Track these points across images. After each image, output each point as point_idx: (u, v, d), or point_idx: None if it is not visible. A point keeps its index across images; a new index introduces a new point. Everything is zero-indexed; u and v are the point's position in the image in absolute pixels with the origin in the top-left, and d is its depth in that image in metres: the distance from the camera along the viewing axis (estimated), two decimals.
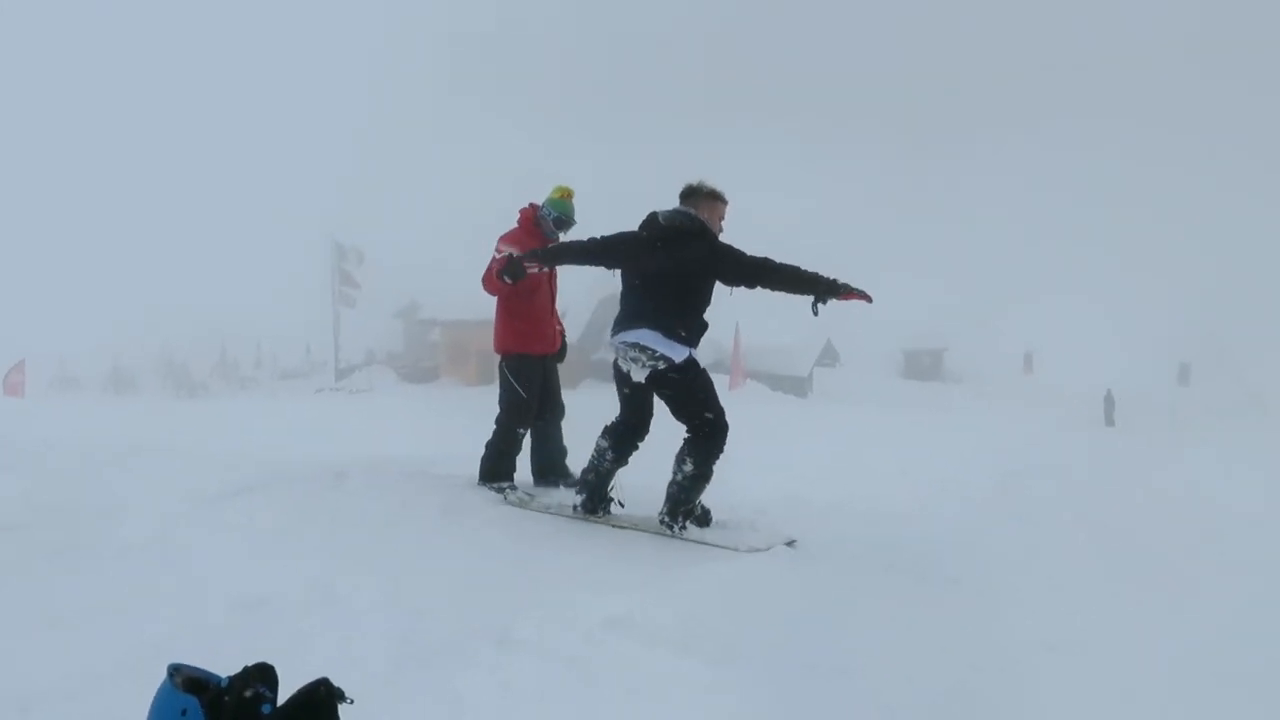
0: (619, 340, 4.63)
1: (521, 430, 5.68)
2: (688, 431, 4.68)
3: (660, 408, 4.83)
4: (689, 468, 4.61)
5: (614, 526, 4.90)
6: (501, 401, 5.68)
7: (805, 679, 2.91)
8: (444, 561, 4.05)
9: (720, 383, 6.25)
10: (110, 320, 58.35)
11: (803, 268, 4.47)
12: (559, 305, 6.00)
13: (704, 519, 4.78)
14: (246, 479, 5.56)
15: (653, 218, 4.65)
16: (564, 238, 5.60)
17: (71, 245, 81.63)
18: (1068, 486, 9.01)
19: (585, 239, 4.89)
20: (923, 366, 51.52)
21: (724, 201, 4.70)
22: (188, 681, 1.52)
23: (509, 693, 2.65)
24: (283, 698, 1.60)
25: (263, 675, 1.55)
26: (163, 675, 1.57)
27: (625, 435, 4.87)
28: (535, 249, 5.17)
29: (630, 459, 4.95)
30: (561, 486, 5.75)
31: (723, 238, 4.72)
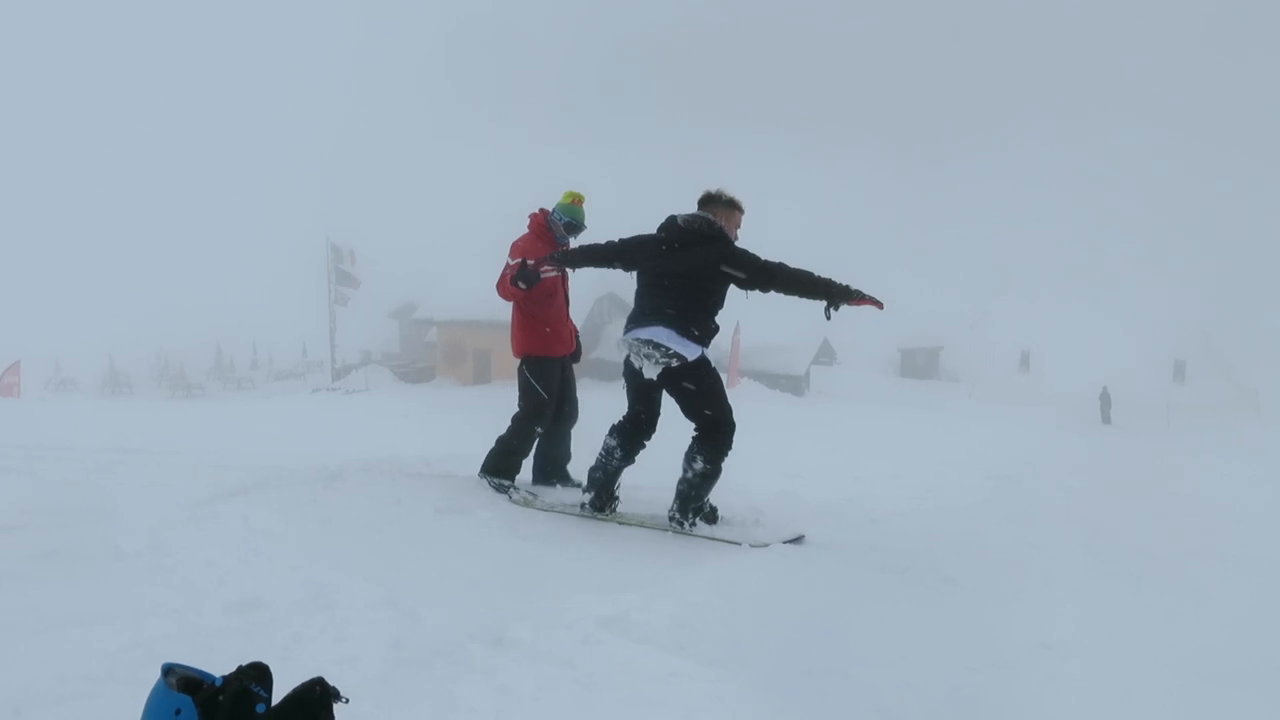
0: (632, 336, 4.69)
1: (539, 429, 5.72)
2: (696, 430, 4.75)
3: (667, 407, 4.88)
4: (699, 466, 4.68)
5: (622, 524, 4.94)
6: (520, 403, 5.72)
7: (802, 680, 2.91)
8: (440, 562, 4.05)
9: None
10: (106, 321, 58.25)
11: (815, 273, 4.55)
12: None
13: (711, 516, 4.89)
14: (242, 480, 5.55)
15: (671, 221, 4.75)
16: (574, 243, 5.67)
17: (66, 246, 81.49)
18: (1064, 486, 9.01)
19: (603, 242, 4.97)
20: (919, 365, 51.59)
21: (741, 210, 4.84)
22: (182, 681, 1.52)
23: (504, 694, 2.65)
24: (278, 698, 1.60)
25: (257, 674, 1.55)
26: (157, 676, 1.56)
27: (633, 434, 4.94)
28: (553, 252, 5.24)
29: (638, 458, 5.01)
30: (559, 487, 5.77)
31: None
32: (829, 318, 4.55)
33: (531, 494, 5.51)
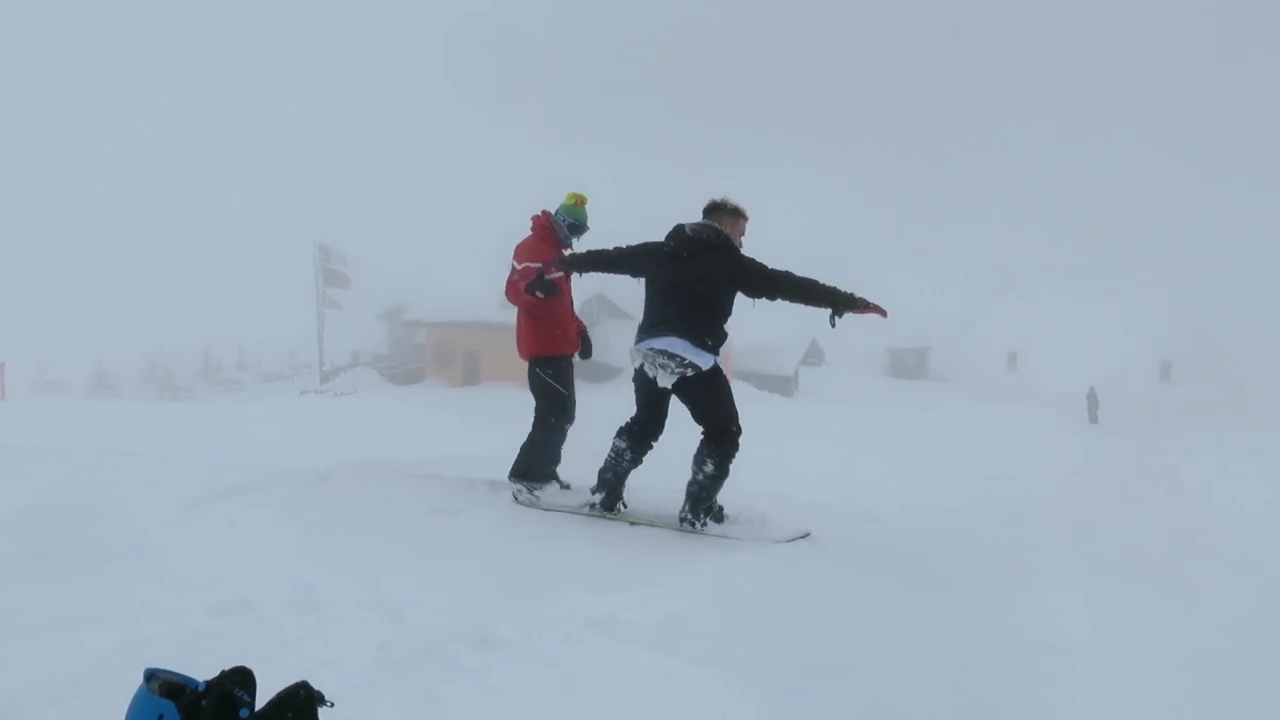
0: (646, 346, 4.75)
1: (567, 426, 5.76)
2: (705, 434, 4.85)
3: (672, 409, 4.98)
4: (709, 468, 4.78)
5: (633, 524, 5.00)
6: (541, 405, 5.73)
7: (796, 679, 2.91)
8: (428, 563, 4.04)
9: None
10: (94, 323, 57.95)
11: (821, 281, 4.67)
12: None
13: (719, 515, 4.99)
14: (229, 482, 5.53)
15: (679, 230, 4.81)
16: (577, 243, 5.73)
17: (53, 247, 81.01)
18: (1057, 485, 9.04)
19: (610, 248, 5.05)
20: (908, 366, 51.81)
21: (745, 218, 4.92)
22: (165, 686, 1.51)
23: (490, 695, 2.64)
24: (263, 702, 1.59)
25: (241, 679, 1.54)
26: (141, 680, 1.55)
27: (642, 436, 5.02)
28: (562, 257, 5.33)
29: (645, 459, 5.09)
30: (556, 487, 5.78)
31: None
32: (834, 325, 4.68)
33: (535, 495, 5.52)
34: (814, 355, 45.81)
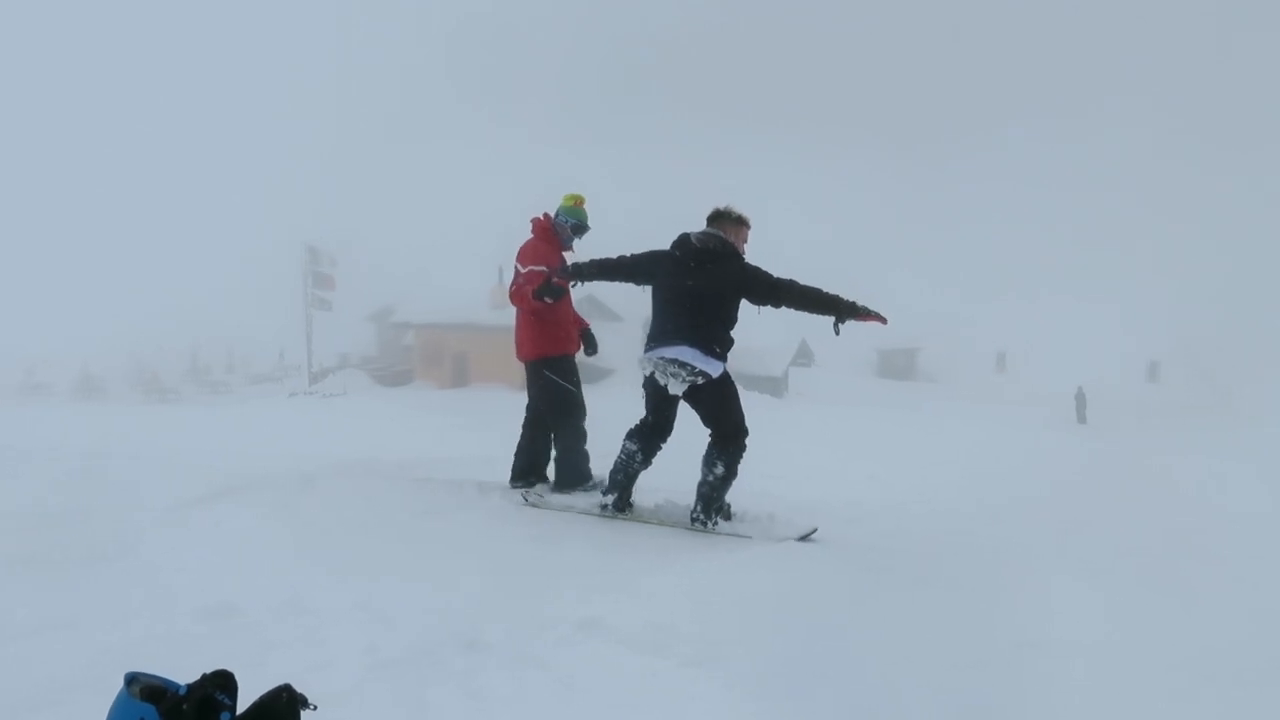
0: (657, 355, 4.86)
1: (584, 423, 5.78)
2: (714, 437, 4.99)
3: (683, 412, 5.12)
4: (720, 470, 4.93)
5: (645, 523, 5.11)
6: (552, 406, 5.76)
7: (781, 681, 2.89)
8: (417, 565, 4.02)
9: None
10: (79, 325, 57.60)
11: (824, 289, 4.81)
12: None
13: (727, 513, 5.14)
14: (219, 484, 5.51)
15: (685, 239, 4.92)
16: (578, 244, 5.83)
17: (39, 248, 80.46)
18: (1046, 485, 9.08)
19: (614, 256, 5.14)
20: (897, 366, 51.88)
21: (748, 225, 5.03)
22: (145, 690, 1.49)
23: (477, 699, 2.63)
24: (246, 705, 1.57)
25: (222, 682, 1.53)
26: (122, 684, 1.54)
27: (652, 438, 5.13)
28: (566, 267, 5.38)
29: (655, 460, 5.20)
30: (542, 486, 5.78)
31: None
32: (838, 332, 4.82)
33: (540, 495, 5.56)
34: (803, 356, 45.87)
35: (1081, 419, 35.00)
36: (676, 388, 4.85)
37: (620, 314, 35.52)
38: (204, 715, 1.47)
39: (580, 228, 5.80)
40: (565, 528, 4.93)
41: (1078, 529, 5.86)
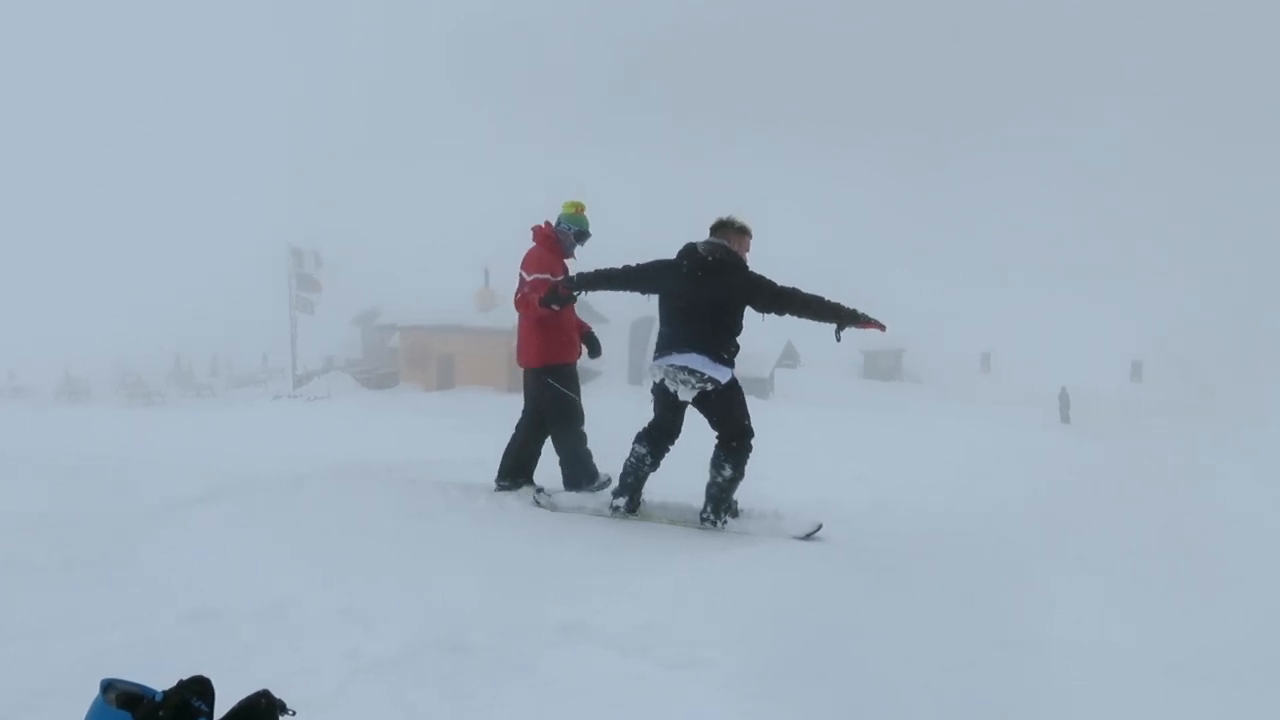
0: (667, 363, 5.01)
1: (583, 429, 5.87)
2: (722, 439, 5.14)
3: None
4: (728, 471, 5.11)
5: (657, 523, 5.24)
6: (552, 412, 5.84)
7: (769, 682, 2.88)
8: (403, 568, 3.99)
9: None
10: (60, 328, 57.14)
11: (826, 298, 5.03)
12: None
13: (734, 511, 5.29)
14: (202, 487, 5.47)
15: (692, 249, 5.08)
16: (580, 250, 5.95)
17: (19, 249, 79.68)
18: (1037, 484, 9.11)
19: (619, 267, 5.30)
20: (882, 367, 52.02)
21: (750, 235, 5.20)
22: (121, 697, 1.47)
23: (459, 703, 2.60)
24: (223, 712, 1.55)
25: (199, 688, 1.50)
26: (98, 691, 1.51)
27: (660, 440, 5.27)
28: (570, 278, 5.54)
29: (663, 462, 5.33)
30: (527, 487, 5.83)
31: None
32: (839, 339, 5.11)
33: (549, 496, 5.60)
34: (789, 357, 45.96)
35: (1065, 419, 35.22)
36: (686, 394, 5.00)
37: (606, 316, 35.51)
38: None
39: (582, 234, 5.91)
40: (560, 529, 4.96)
41: (1074, 528, 5.87)
